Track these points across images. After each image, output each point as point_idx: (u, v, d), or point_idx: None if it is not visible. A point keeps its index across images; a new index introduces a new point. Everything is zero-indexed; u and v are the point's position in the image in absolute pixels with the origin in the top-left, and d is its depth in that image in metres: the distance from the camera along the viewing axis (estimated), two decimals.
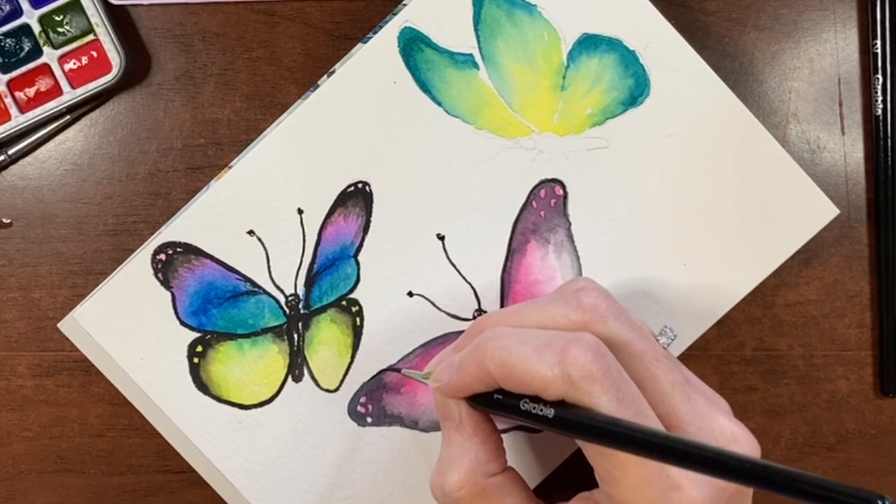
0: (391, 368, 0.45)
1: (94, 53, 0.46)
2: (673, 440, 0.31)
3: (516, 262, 0.46)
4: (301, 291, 0.45)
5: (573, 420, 0.34)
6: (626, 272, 0.46)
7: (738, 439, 0.37)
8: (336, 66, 0.45)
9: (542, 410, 0.35)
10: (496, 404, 0.37)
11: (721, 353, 0.48)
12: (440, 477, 0.38)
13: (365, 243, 0.45)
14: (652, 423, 0.35)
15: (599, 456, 0.35)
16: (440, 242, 0.45)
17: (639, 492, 0.35)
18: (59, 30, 0.46)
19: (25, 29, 0.46)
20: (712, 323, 0.46)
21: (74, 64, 0.46)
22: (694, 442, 0.31)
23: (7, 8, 0.46)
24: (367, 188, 0.45)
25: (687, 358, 0.47)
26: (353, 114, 0.45)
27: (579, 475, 0.42)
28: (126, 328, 0.45)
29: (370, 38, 0.45)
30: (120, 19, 0.47)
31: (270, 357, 0.45)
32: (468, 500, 0.38)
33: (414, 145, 0.45)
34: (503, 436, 0.40)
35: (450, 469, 0.38)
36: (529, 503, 0.39)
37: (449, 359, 0.39)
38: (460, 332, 0.45)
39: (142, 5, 0.47)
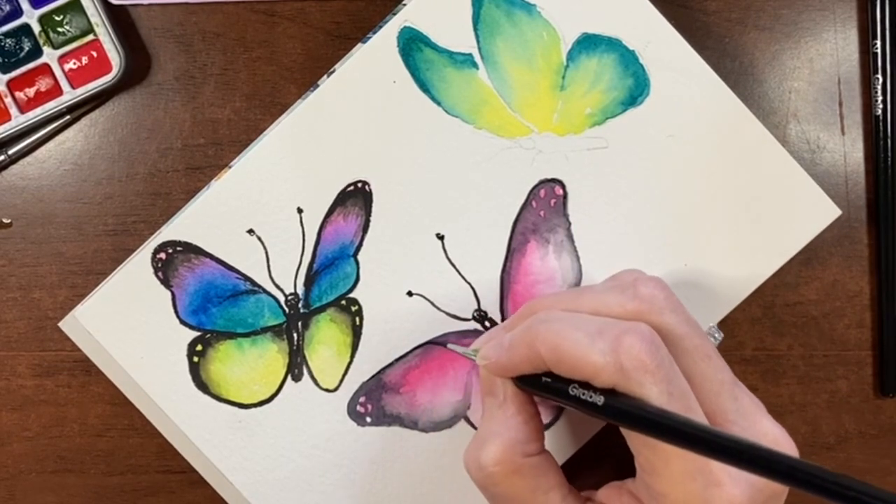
0: (434, 342, 0.45)
1: (94, 53, 0.46)
2: (725, 437, 0.31)
3: (516, 261, 0.45)
4: (301, 291, 0.45)
5: (623, 409, 0.34)
6: None
7: (779, 443, 0.37)
8: (336, 66, 0.45)
9: (591, 397, 0.35)
10: (544, 387, 0.37)
11: (721, 353, 0.48)
12: (477, 450, 0.38)
13: (364, 243, 0.45)
14: (699, 418, 0.35)
15: (644, 446, 0.35)
16: (440, 242, 0.45)
17: (680, 485, 0.35)
18: (59, 30, 0.46)
19: (25, 29, 0.46)
20: (713, 324, 0.45)
21: (74, 64, 0.46)
22: (746, 440, 0.31)
23: (7, 8, 0.46)
24: (366, 187, 0.45)
25: None
26: (352, 113, 0.45)
27: (597, 465, 0.43)
28: (126, 327, 0.45)
29: (370, 37, 0.45)
30: (120, 19, 0.47)
31: (270, 356, 0.45)
32: (502, 476, 0.38)
33: (413, 145, 0.45)
34: None
35: (488, 443, 0.38)
36: (562, 488, 0.39)
37: (498, 337, 0.39)
38: (460, 332, 0.45)
39: (142, 5, 0.47)
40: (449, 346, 0.45)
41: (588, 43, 0.45)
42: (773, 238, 0.45)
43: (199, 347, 0.45)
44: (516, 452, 0.38)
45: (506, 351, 0.38)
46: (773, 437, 0.37)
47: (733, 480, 0.35)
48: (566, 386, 0.36)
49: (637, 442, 0.36)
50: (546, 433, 0.44)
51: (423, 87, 0.45)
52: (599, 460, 0.46)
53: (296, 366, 0.45)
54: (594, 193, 0.45)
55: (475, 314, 0.45)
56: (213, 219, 0.45)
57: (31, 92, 0.46)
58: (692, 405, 0.35)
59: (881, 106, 0.47)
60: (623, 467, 0.37)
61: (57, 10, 0.46)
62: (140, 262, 0.45)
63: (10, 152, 0.47)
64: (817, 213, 0.46)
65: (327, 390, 0.45)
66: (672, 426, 0.32)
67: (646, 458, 0.36)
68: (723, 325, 0.47)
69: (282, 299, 0.45)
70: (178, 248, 0.45)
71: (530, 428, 0.39)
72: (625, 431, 0.37)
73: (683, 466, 0.35)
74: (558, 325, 0.36)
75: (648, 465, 0.36)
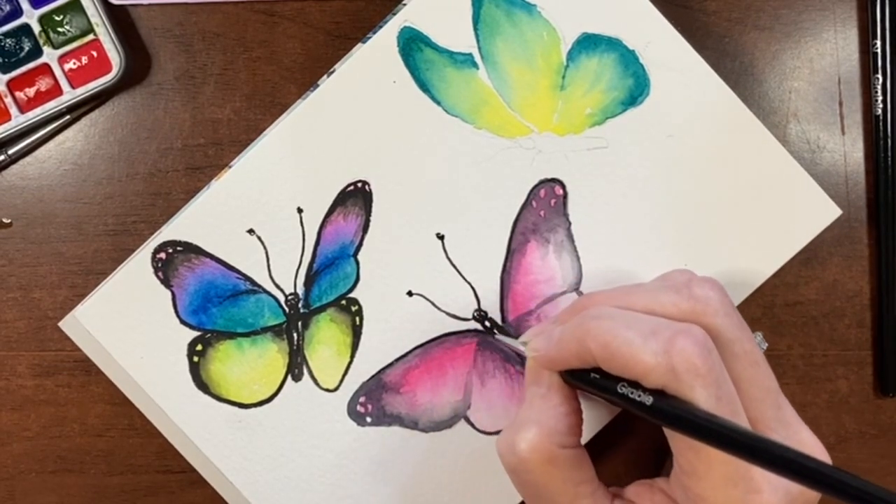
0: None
1: (94, 53, 0.46)
2: (773, 444, 0.31)
3: (516, 261, 0.45)
4: (301, 290, 0.45)
5: (671, 411, 0.34)
6: (626, 272, 0.45)
7: (815, 454, 0.37)
8: (336, 66, 0.45)
9: (640, 396, 0.35)
10: (592, 382, 0.37)
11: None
12: (514, 434, 0.38)
13: (364, 242, 0.45)
14: (744, 424, 0.35)
15: (688, 449, 0.35)
16: (440, 242, 0.45)
17: (721, 490, 0.35)
18: (59, 30, 0.46)
19: (25, 29, 0.46)
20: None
21: (74, 64, 0.46)
22: (793, 450, 0.31)
23: (7, 8, 0.46)
24: (366, 187, 0.45)
25: None
26: (352, 113, 0.45)
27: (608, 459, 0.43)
28: (126, 327, 0.45)
29: (370, 37, 0.45)
30: (120, 19, 0.47)
31: (270, 356, 0.45)
32: (535, 463, 0.38)
33: (413, 145, 0.45)
34: None
35: (526, 428, 0.38)
36: (593, 482, 0.39)
37: (549, 330, 0.39)
38: (459, 333, 0.45)
39: (142, 5, 0.47)
40: (497, 336, 0.45)
41: (588, 43, 0.45)
42: (774, 238, 0.45)
43: (199, 347, 0.45)
44: (553, 442, 0.38)
45: (555, 344, 0.38)
46: (811, 448, 0.38)
47: (772, 488, 0.35)
48: (615, 384, 0.36)
49: (681, 444, 0.36)
50: None
51: (423, 86, 0.45)
52: (613, 455, 0.47)
53: (296, 366, 0.45)
54: (594, 193, 0.45)
55: (475, 314, 0.45)
56: (213, 218, 0.45)
57: (31, 92, 0.46)
58: (738, 410, 0.35)
59: (881, 106, 0.47)
60: (637, 462, 0.37)
61: (57, 10, 0.46)
62: (140, 262, 0.45)
63: (10, 152, 0.47)
64: (817, 212, 0.46)
65: (327, 390, 0.45)
66: (719, 431, 0.32)
67: (688, 460, 0.36)
68: None
69: (282, 299, 0.45)
70: (179, 248, 0.45)
71: (571, 421, 0.39)
72: (668, 432, 0.37)
73: (726, 471, 0.35)
74: (611, 322, 0.36)
75: (690, 467, 0.36)
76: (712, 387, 0.34)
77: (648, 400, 0.34)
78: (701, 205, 0.45)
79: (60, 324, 0.45)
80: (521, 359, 0.45)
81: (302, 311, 0.45)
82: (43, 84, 0.46)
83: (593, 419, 0.45)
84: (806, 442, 0.38)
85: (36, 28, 0.46)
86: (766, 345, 0.44)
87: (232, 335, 0.45)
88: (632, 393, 0.35)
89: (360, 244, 0.45)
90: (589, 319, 0.37)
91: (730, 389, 0.35)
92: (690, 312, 0.37)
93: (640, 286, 0.40)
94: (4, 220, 0.47)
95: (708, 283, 0.38)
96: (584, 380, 0.38)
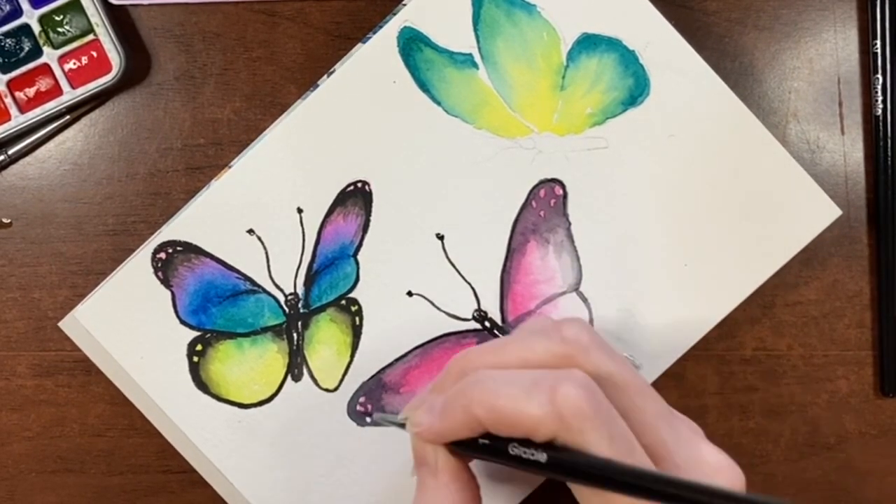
0: (366, 413, 0.45)
1: (94, 53, 0.46)
2: (670, 480, 0.31)
3: (516, 261, 0.45)
4: (300, 290, 0.45)
5: (569, 463, 0.33)
6: (626, 272, 0.45)
7: (722, 468, 0.37)
8: (336, 66, 0.45)
9: (533, 455, 0.34)
10: (482, 449, 0.36)
11: (721, 353, 0.48)
12: None
13: (364, 242, 0.45)
14: (641, 457, 0.34)
15: (593, 495, 0.35)
16: (440, 242, 0.45)
17: None
18: (59, 30, 0.46)
19: (25, 29, 0.46)
20: (714, 324, 0.45)
21: (74, 64, 0.46)
22: (691, 482, 0.31)
23: (7, 8, 0.46)
24: (366, 187, 0.45)
25: (687, 358, 0.47)
26: (352, 113, 0.45)
27: None
28: (126, 327, 0.45)
29: (370, 37, 0.45)
30: (120, 19, 0.47)
31: (270, 356, 0.45)
32: None
33: (413, 145, 0.45)
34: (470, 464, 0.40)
35: None
36: None
37: (429, 402, 0.38)
38: (459, 333, 0.45)
39: (142, 5, 0.47)
40: (375, 416, 0.45)
41: (588, 43, 0.45)
42: (774, 238, 0.45)
43: (198, 347, 0.45)
44: None
45: (439, 416, 0.37)
46: (716, 462, 0.37)
47: None
48: (506, 445, 0.35)
49: (585, 492, 0.35)
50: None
51: (424, 87, 0.45)
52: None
53: (296, 366, 0.45)
54: (594, 193, 0.45)
55: (475, 314, 0.45)
56: (213, 219, 0.45)
57: (31, 92, 0.46)
58: (634, 445, 0.34)
59: (881, 106, 0.47)
60: None
61: (57, 10, 0.46)
62: (140, 262, 0.45)
63: (10, 152, 0.47)
64: (817, 213, 0.46)
65: (327, 390, 0.45)
66: (619, 477, 0.32)
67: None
68: (723, 324, 0.47)
69: (282, 299, 0.45)
70: (178, 248, 0.45)
71: (465, 496, 0.38)
72: (570, 484, 0.36)
73: None
74: (492, 383, 0.35)
75: None
76: (603, 427, 0.33)
77: (543, 457, 0.34)
78: (701, 205, 0.45)
79: (60, 324, 0.45)
80: None
81: (302, 311, 0.45)
82: (43, 84, 0.46)
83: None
84: (709, 458, 0.37)
85: (36, 28, 0.46)
86: (641, 363, 0.43)
87: (232, 335, 0.45)
88: (524, 453, 0.34)
89: (360, 244, 0.45)
90: (470, 386, 0.36)
91: (621, 425, 0.34)
92: (563, 355, 0.36)
93: (512, 337, 0.39)
94: (4, 220, 0.47)
95: (575, 322, 0.37)
96: (474, 447, 0.36)
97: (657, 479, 0.32)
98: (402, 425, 0.39)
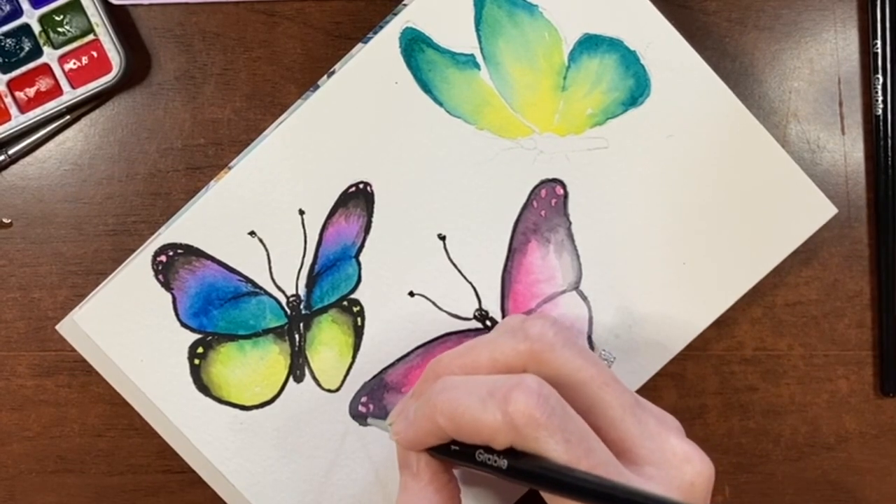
0: (357, 416, 0.45)
1: (94, 53, 0.46)
2: (619, 489, 0.32)
3: (517, 261, 0.46)
4: (302, 292, 0.45)
5: (526, 470, 0.34)
6: (625, 271, 0.46)
7: (690, 458, 0.37)
8: (336, 66, 0.45)
9: (496, 461, 0.35)
10: (455, 455, 0.37)
11: (721, 353, 0.48)
12: None
13: (366, 244, 0.45)
14: (603, 457, 0.35)
15: (557, 500, 0.35)
16: (441, 242, 0.45)
17: None
18: (59, 30, 0.46)
19: (25, 29, 0.46)
20: (711, 321, 0.46)
21: (74, 64, 0.46)
22: (640, 491, 0.31)
23: (7, 8, 0.46)
24: (368, 188, 0.45)
25: (687, 358, 0.47)
26: (354, 114, 0.45)
27: None
28: (126, 330, 0.44)
29: (370, 38, 0.45)
30: (120, 19, 0.47)
31: (271, 358, 0.45)
32: None
33: (415, 146, 0.45)
34: (459, 475, 0.40)
35: None
36: None
37: (406, 409, 0.39)
38: (461, 332, 0.45)
39: (142, 5, 0.47)
40: (369, 420, 0.45)
41: (589, 43, 0.45)
42: (771, 236, 0.46)
43: (199, 350, 0.45)
44: None
45: (410, 426, 0.38)
46: (683, 453, 0.37)
47: None
48: (474, 452, 0.36)
49: (554, 499, 0.36)
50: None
51: (425, 87, 0.45)
52: None
53: (297, 367, 0.45)
54: (595, 193, 0.45)
55: (476, 314, 0.45)
56: (214, 221, 0.45)
57: (31, 92, 0.46)
58: (592, 445, 0.35)
59: (881, 106, 0.47)
60: None
61: (57, 10, 0.46)
62: (139, 265, 0.44)
63: (10, 152, 0.47)
64: (814, 211, 0.46)
65: (329, 391, 0.45)
66: (571, 483, 0.32)
67: None
68: (723, 324, 0.47)
69: (283, 301, 0.45)
70: (179, 251, 0.45)
71: (444, 496, 0.38)
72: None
73: None
74: (453, 392, 0.36)
75: None
76: (557, 432, 0.33)
77: (504, 464, 0.34)
78: (700, 204, 0.45)
79: (58, 327, 0.45)
80: None
81: (303, 312, 0.45)
82: (43, 84, 0.46)
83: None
84: (676, 449, 0.37)
85: (36, 28, 0.46)
86: (615, 356, 0.43)
87: (233, 337, 0.45)
88: (489, 459, 0.35)
89: (362, 245, 0.45)
90: (435, 395, 0.36)
91: (578, 427, 0.35)
92: (528, 352, 0.37)
93: (483, 338, 0.39)
94: (4, 220, 0.47)
95: (540, 319, 0.38)
96: (448, 453, 0.37)
97: (602, 484, 0.32)
98: (389, 432, 0.40)
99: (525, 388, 0.34)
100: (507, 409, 0.34)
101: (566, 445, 0.33)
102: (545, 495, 0.36)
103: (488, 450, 0.35)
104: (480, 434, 0.34)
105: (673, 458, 0.37)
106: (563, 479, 0.33)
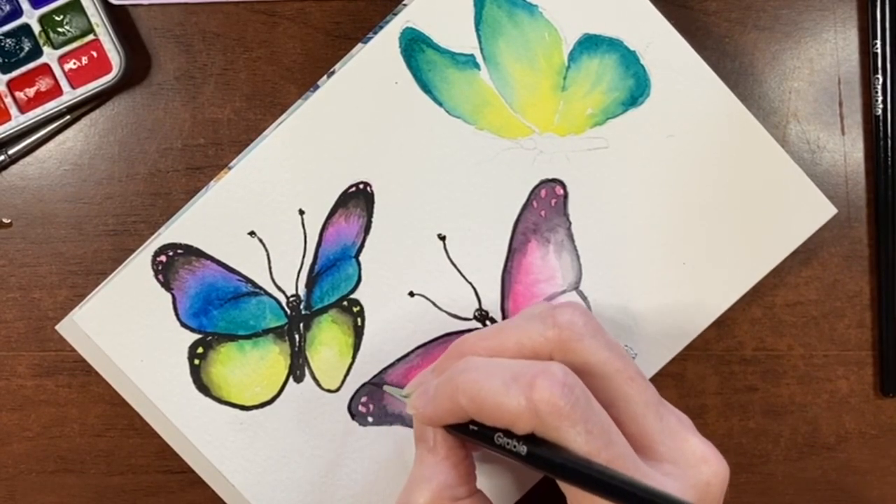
0: (372, 382, 0.45)
1: (94, 53, 0.46)
2: (636, 486, 0.32)
3: (517, 261, 0.46)
4: (302, 292, 0.45)
5: (546, 458, 0.34)
6: (625, 271, 0.46)
7: (707, 459, 0.37)
8: (336, 67, 0.45)
9: (515, 447, 0.35)
10: (473, 434, 0.37)
11: (721, 353, 0.48)
12: (407, 496, 0.38)
13: (366, 244, 0.45)
14: (622, 450, 0.35)
15: (571, 488, 0.35)
16: (441, 242, 0.45)
17: None
18: (59, 30, 0.46)
19: (25, 29, 0.46)
20: (711, 321, 0.46)
21: (74, 64, 0.46)
22: (655, 490, 0.31)
23: (7, 8, 0.46)
24: (368, 188, 0.45)
25: (687, 358, 0.47)
26: (354, 114, 0.45)
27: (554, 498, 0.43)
28: (126, 330, 0.44)
29: (370, 38, 0.45)
30: (120, 19, 0.47)
31: (271, 358, 0.45)
32: None
33: (415, 146, 0.45)
34: (476, 454, 0.40)
35: (418, 489, 0.38)
36: None
37: (426, 384, 0.39)
38: (461, 332, 0.45)
39: (142, 5, 0.47)
40: (385, 388, 0.45)
41: (589, 43, 0.45)
42: (771, 236, 0.46)
43: (199, 350, 0.45)
44: (445, 497, 0.38)
45: (430, 402, 0.38)
46: (702, 454, 0.37)
47: None
48: (492, 434, 0.36)
49: (570, 488, 0.36)
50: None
51: (425, 87, 0.45)
52: (543, 494, 0.46)
53: (297, 367, 0.45)
54: (594, 193, 0.45)
55: (476, 314, 0.46)
56: (214, 221, 0.45)
57: (31, 92, 0.46)
58: (613, 438, 0.35)
59: (881, 106, 0.47)
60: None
61: (57, 10, 0.46)
62: (139, 265, 0.44)
63: (10, 152, 0.47)
64: (814, 211, 0.46)
65: (329, 391, 0.45)
66: (590, 476, 0.33)
67: (575, 498, 0.35)
68: (723, 324, 0.47)
69: (283, 301, 0.45)
70: (179, 251, 0.45)
71: (460, 471, 0.38)
72: None
73: None
74: (476, 373, 0.36)
75: None
76: (580, 423, 0.33)
77: (523, 450, 0.34)
78: (700, 204, 0.45)
79: (57, 327, 0.45)
80: None
81: (303, 312, 0.45)
82: (43, 84, 0.46)
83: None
84: (695, 449, 0.37)
85: (36, 28, 0.46)
86: (637, 352, 0.43)
87: (233, 337, 0.45)
88: (507, 443, 0.35)
89: (362, 245, 0.45)
90: (458, 374, 0.36)
91: (601, 419, 0.35)
92: (556, 339, 0.37)
93: (511, 321, 0.39)
94: (4, 220, 0.47)
95: (570, 307, 0.38)
96: (465, 432, 0.37)
97: (620, 480, 0.32)
98: (405, 401, 0.40)
99: (550, 376, 0.34)
100: (532, 395, 0.34)
101: (587, 436, 0.34)
102: (561, 484, 0.36)
103: (507, 433, 0.35)
104: (502, 418, 0.34)
105: (691, 458, 0.37)
106: (582, 471, 0.33)
